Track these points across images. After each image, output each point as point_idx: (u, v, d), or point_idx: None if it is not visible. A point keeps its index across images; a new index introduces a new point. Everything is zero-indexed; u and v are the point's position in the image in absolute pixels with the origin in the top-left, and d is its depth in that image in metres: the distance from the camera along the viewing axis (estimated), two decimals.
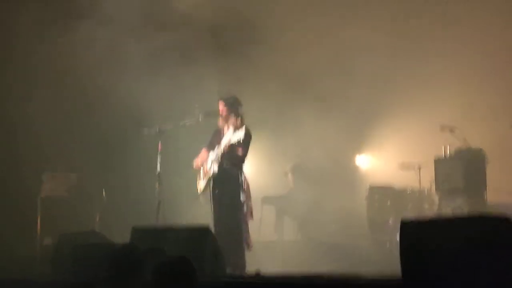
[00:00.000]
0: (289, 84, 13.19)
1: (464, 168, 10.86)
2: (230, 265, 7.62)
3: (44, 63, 10.86)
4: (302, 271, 6.95)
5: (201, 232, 7.08)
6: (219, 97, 8.79)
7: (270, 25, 12.49)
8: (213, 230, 8.03)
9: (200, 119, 8.91)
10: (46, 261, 8.02)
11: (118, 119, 11.12)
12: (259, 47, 12.24)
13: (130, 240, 7.26)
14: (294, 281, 6.02)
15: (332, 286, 5.47)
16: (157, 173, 8.93)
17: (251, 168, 10.17)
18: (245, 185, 8.58)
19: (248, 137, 8.52)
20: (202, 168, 8.76)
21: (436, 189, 11.24)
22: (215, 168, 8.53)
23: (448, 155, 11.16)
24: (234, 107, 8.67)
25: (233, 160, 8.53)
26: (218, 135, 8.68)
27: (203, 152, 8.81)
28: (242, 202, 8.44)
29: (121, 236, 7.53)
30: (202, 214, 9.08)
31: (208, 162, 8.65)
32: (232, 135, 8.50)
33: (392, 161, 12.33)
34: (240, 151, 8.49)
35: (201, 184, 8.72)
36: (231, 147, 8.45)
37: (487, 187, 10.80)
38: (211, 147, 8.71)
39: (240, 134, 8.42)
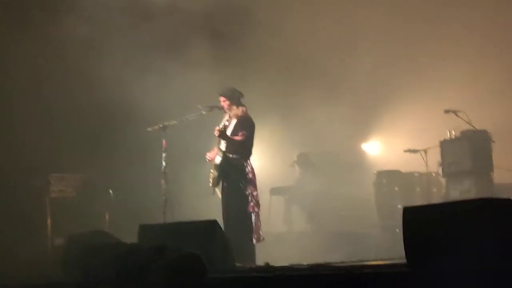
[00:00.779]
0: (292, 71, 13.16)
1: (470, 150, 10.84)
2: (240, 258, 7.60)
3: (48, 62, 10.87)
4: (312, 261, 6.93)
5: (209, 226, 7.07)
6: (219, 93, 8.75)
7: (268, 9, 12.44)
8: (222, 223, 8.06)
9: (203, 113, 8.89)
10: (58, 261, 8.05)
11: (122, 118, 11.12)
12: (258, 33, 12.17)
13: (138, 238, 7.29)
14: (304, 272, 6.01)
15: (340, 275, 5.47)
16: (162, 170, 8.94)
17: (258, 160, 10.17)
18: (252, 176, 8.53)
19: (251, 126, 8.55)
20: (214, 161, 8.72)
21: (443, 172, 11.22)
22: (222, 160, 8.51)
23: (454, 138, 11.12)
24: (234, 99, 8.66)
25: (238, 151, 8.51)
26: (225, 128, 8.64)
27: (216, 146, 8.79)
28: (248, 193, 8.41)
29: (130, 235, 7.55)
30: (211, 209, 9.06)
31: (217, 155, 8.64)
32: (235, 126, 8.52)
33: (399, 146, 12.31)
34: (244, 142, 8.48)
35: (213, 177, 8.65)
36: (236, 138, 8.45)
37: (494, 168, 10.78)
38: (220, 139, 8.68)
39: (243, 124, 8.43)
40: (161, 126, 9.00)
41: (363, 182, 12.42)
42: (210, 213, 8.49)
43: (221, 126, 8.40)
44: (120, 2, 11.06)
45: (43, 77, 10.83)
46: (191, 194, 10.44)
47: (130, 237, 7.44)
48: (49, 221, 10.12)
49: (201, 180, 9.21)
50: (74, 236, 8.06)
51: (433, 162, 11.44)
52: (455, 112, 10.91)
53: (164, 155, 8.93)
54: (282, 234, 11.87)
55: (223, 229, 7.56)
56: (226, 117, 8.64)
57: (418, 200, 11.24)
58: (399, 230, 10.56)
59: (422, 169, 11.58)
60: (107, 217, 10.41)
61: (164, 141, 8.96)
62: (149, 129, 9.10)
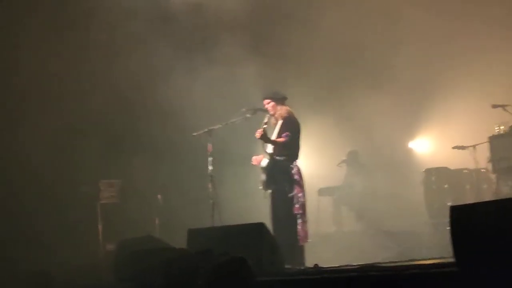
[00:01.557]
0: (338, 70, 13.06)
1: None
2: (289, 260, 7.58)
3: (97, 70, 11.03)
4: (363, 261, 6.88)
5: (256, 229, 7.07)
6: (262, 96, 8.74)
7: (306, 6, 12.38)
8: (270, 225, 8.05)
9: (248, 116, 8.91)
10: (109, 267, 8.17)
11: (167, 124, 11.23)
12: (299, 32, 12.11)
13: (187, 242, 7.34)
14: (351, 274, 5.98)
15: (387, 276, 5.44)
16: (208, 173, 8.99)
17: (305, 160, 10.14)
18: (297, 178, 8.46)
19: (296, 127, 8.52)
20: (261, 164, 8.70)
21: (493, 168, 11.03)
22: (269, 163, 8.50)
23: (503, 133, 10.93)
24: (278, 100, 8.64)
25: (283, 152, 8.48)
26: (264, 130, 8.61)
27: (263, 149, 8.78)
28: (293, 195, 8.35)
29: (179, 239, 7.62)
30: (260, 211, 9.07)
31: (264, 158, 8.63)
32: (280, 127, 8.52)
33: (447, 142, 12.15)
34: (289, 143, 8.44)
35: (262, 180, 8.59)
36: (278, 140, 8.44)
37: None
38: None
39: (287, 125, 8.43)
40: (206, 130, 9.06)
41: (411, 180, 12.28)
42: (259, 215, 8.52)
43: (261, 129, 8.38)
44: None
45: (92, 84, 10.99)
46: (238, 197, 10.48)
47: (179, 241, 7.52)
48: (100, 227, 10.29)
49: (248, 182, 9.23)
50: (124, 241, 8.18)
51: (482, 158, 11.26)
52: (503, 107, 10.74)
53: (210, 159, 8.98)
54: (331, 235, 11.83)
55: (271, 231, 7.56)
56: (266, 119, 8.60)
57: (468, 197, 11.09)
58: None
59: (471, 165, 11.41)
60: (156, 222, 10.54)
61: (210, 145, 9.02)
62: (194, 133, 9.19)
